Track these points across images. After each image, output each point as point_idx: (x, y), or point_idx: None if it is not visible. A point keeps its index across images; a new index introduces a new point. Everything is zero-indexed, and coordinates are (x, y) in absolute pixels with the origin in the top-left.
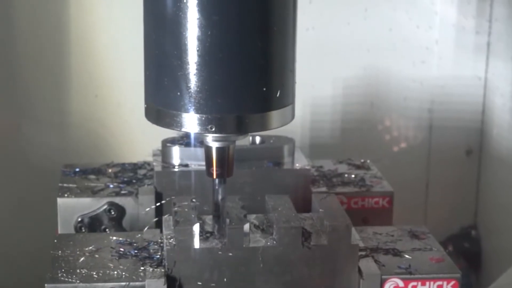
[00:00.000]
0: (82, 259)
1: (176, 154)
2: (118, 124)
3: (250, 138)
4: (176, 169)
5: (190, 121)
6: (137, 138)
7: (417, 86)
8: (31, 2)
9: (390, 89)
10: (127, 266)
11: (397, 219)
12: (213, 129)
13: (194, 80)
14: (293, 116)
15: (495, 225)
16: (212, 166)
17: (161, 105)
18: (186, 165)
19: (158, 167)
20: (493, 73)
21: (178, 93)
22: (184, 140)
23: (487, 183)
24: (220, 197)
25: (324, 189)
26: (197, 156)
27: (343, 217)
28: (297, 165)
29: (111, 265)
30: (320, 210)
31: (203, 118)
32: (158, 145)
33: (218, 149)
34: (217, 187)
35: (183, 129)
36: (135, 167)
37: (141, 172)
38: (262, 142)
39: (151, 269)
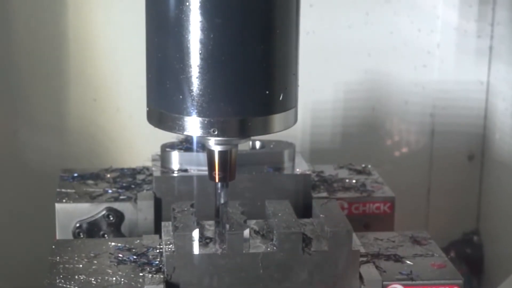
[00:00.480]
0: (80, 265)
1: (176, 159)
2: (117, 129)
3: (250, 143)
4: (175, 174)
5: (193, 125)
6: (136, 142)
7: (418, 90)
8: (29, 6)
9: (391, 94)
10: (126, 272)
11: (399, 224)
12: (216, 133)
13: (196, 83)
14: (296, 120)
15: (497, 231)
16: (214, 170)
17: (163, 108)
18: (186, 170)
19: (157, 172)
20: (495, 77)
21: (181, 96)
22: (183, 145)
23: (489, 188)
24: (222, 201)
25: (324, 194)
26: (196, 161)
27: (344, 222)
28: (297, 170)
29: (109, 271)
30: (321, 215)
31: (206, 122)
32: (157, 150)
33: (220, 152)
34: (219, 191)
35: (185, 133)
36: (134, 172)
37: (140, 177)
38: (262, 147)
39: (150, 275)
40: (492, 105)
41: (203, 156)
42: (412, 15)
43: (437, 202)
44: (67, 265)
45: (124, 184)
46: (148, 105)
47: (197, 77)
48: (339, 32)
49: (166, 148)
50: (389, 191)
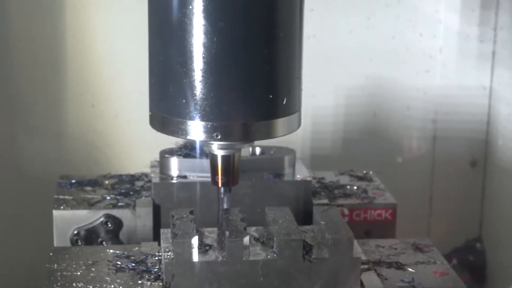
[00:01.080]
0: (78, 272)
1: (175, 165)
2: (115, 135)
3: (250, 149)
4: (174, 181)
5: (196, 129)
6: (134, 148)
7: (420, 96)
8: (27, 11)
9: (393, 99)
10: (125, 279)
11: (400, 231)
12: (219, 137)
13: (199, 87)
14: (299, 124)
15: (500, 238)
16: (217, 174)
17: (166, 112)
18: (185, 177)
19: (156, 179)
20: (498, 82)
21: (184, 101)
22: (182, 151)
23: (492, 195)
24: (225, 206)
25: (325, 201)
26: (196, 167)
27: (345, 229)
28: (298, 176)
29: (108, 278)
30: (322, 222)
31: (209, 126)
32: (156, 156)
33: (223, 157)
34: (222, 196)
35: (188, 137)
36: (133, 178)
37: (139, 183)
38: (262, 153)
39: (149, 283)
40: (495, 110)
41: (202, 162)
42: (414, 19)
43: (439, 209)
44: (65, 273)
45: (122, 191)
46: (150, 109)
47: (200, 81)
48: (340, 37)
49: (165, 154)
50: (391, 198)
